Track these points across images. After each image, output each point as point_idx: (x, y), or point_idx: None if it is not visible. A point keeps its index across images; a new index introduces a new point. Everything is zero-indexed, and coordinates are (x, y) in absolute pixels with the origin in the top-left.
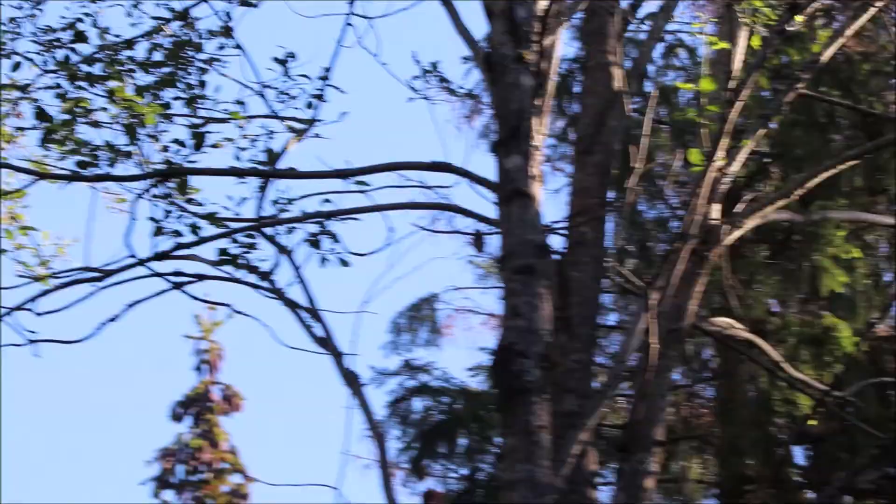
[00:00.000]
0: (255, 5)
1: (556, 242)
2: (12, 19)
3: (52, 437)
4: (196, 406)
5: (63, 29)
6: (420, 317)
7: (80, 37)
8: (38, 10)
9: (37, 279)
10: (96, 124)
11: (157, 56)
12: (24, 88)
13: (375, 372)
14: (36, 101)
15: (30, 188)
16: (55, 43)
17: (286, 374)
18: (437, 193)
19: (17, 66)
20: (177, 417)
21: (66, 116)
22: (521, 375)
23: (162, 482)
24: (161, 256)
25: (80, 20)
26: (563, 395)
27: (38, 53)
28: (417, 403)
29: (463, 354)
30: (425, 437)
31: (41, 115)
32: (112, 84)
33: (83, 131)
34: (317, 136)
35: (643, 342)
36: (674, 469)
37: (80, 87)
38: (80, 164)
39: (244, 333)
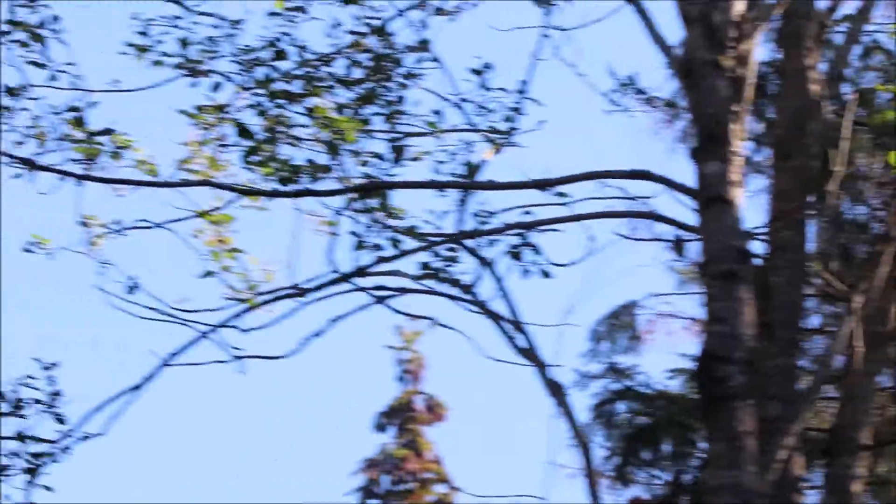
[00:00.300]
0: (452, 18)
1: (757, 247)
2: (210, 39)
3: (259, 451)
4: (400, 416)
5: (263, 48)
6: (621, 323)
7: (281, 55)
8: (237, 29)
9: (243, 301)
10: (297, 141)
11: (356, 72)
12: (223, 108)
13: (578, 375)
14: (236, 120)
15: (234, 209)
16: (255, 61)
17: (489, 383)
18: (637, 201)
19: (217, 87)
20: (381, 428)
21: (267, 134)
22: (725, 381)
23: (367, 492)
24: (363, 271)
25: (278, 39)
26: (766, 401)
27: (237, 73)
28: (620, 408)
29: (664, 359)
30: (629, 443)
31: (243, 132)
32: (312, 101)
33: (284, 151)
34: (515, 146)
35: (847, 346)
36: (881, 472)
37: (280, 105)
38: (282, 181)
39: (447, 343)
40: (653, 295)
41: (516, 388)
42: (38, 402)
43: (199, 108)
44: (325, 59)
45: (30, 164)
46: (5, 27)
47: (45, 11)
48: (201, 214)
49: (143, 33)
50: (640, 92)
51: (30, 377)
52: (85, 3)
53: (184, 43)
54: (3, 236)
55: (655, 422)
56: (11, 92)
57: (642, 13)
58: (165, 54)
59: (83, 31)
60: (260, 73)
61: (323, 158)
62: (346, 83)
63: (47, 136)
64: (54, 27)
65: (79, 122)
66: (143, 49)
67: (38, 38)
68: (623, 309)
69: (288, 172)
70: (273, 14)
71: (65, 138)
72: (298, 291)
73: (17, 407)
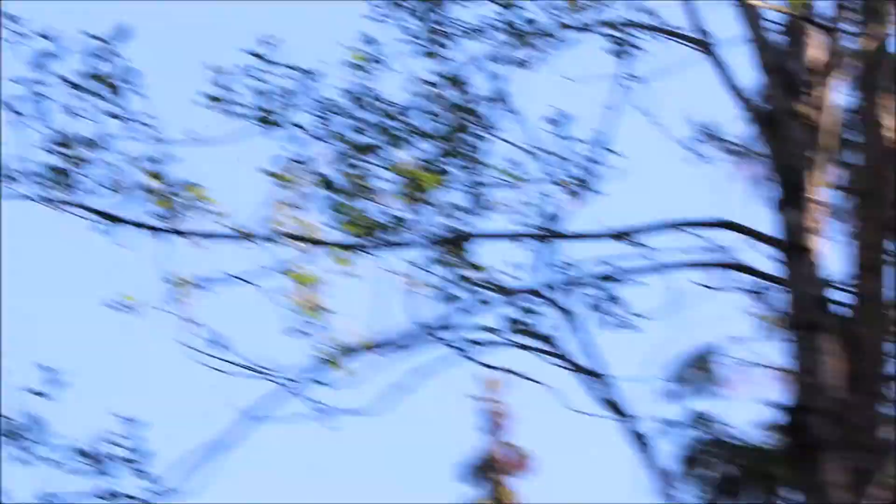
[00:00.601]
0: (529, 68)
1: (841, 297)
2: (287, 90)
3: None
4: (484, 467)
5: (338, 109)
6: (704, 373)
7: (364, 105)
8: (313, 80)
9: (328, 357)
10: (377, 195)
11: (434, 124)
12: (303, 163)
13: (662, 426)
14: (319, 174)
15: (317, 266)
16: (333, 112)
17: (573, 434)
18: (719, 250)
19: (294, 140)
20: (465, 479)
21: (348, 188)
22: (812, 432)
23: None
24: (445, 325)
25: (356, 91)
26: (854, 452)
27: (315, 125)
28: (705, 458)
29: (748, 409)
30: (714, 494)
31: (326, 184)
32: (391, 154)
33: (365, 205)
34: (595, 196)
35: None
36: None
37: (359, 159)
38: (363, 235)
39: (530, 395)
40: (735, 344)
41: (599, 439)
42: (121, 458)
43: (278, 167)
44: (403, 112)
45: (109, 216)
46: (82, 79)
47: (121, 62)
48: (288, 273)
49: (218, 85)
50: (718, 140)
51: (113, 433)
52: (160, 53)
53: (259, 94)
54: (85, 290)
55: (741, 472)
56: (89, 144)
57: (718, 62)
58: (240, 105)
59: (160, 82)
60: (338, 124)
61: (403, 212)
62: (425, 135)
63: (126, 189)
64: (131, 78)
65: (157, 175)
66: (217, 100)
67: (115, 90)
68: (706, 358)
69: (369, 227)
70: (351, 66)
71: (143, 191)
72: (381, 346)
73: (100, 463)
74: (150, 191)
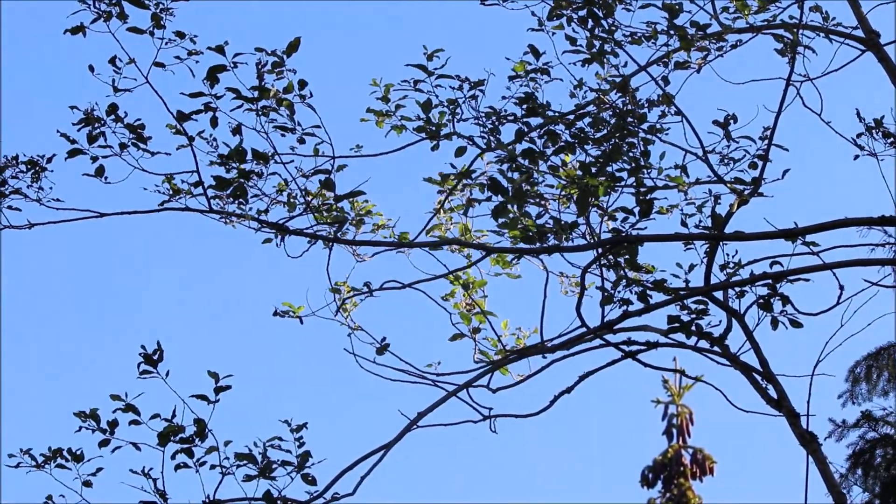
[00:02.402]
0: (694, 71)
1: None
2: (452, 101)
3: None
4: (667, 471)
5: (505, 116)
6: (876, 370)
7: (533, 111)
8: (479, 91)
9: (493, 362)
10: (543, 200)
11: (600, 129)
12: (468, 172)
13: (833, 425)
14: (489, 177)
15: (482, 271)
16: (503, 119)
17: (745, 435)
18: (888, 247)
19: (461, 151)
20: (647, 483)
21: (514, 194)
22: None
23: None
24: (611, 326)
25: (530, 96)
26: None
27: (480, 135)
28: (877, 456)
29: None
30: (887, 493)
31: (495, 187)
32: (557, 159)
33: (531, 210)
34: (761, 196)
35: None
36: None
37: (525, 166)
38: (529, 240)
39: (711, 397)
40: None
41: (770, 439)
42: (287, 463)
43: (443, 176)
44: (569, 118)
45: (280, 228)
46: (253, 94)
47: (291, 76)
48: (451, 276)
49: (383, 98)
50: (887, 136)
51: (279, 438)
52: (329, 66)
53: (425, 107)
54: (256, 301)
55: None
56: (259, 158)
57: (885, 58)
58: (406, 119)
59: (327, 96)
60: (504, 132)
61: (569, 216)
62: (591, 140)
63: (296, 201)
64: (301, 93)
65: (328, 186)
66: (383, 115)
67: (287, 105)
68: (878, 355)
69: (535, 231)
70: (514, 77)
71: (313, 204)
72: (546, 349)
73: (267, 469)
74: (317, 203)
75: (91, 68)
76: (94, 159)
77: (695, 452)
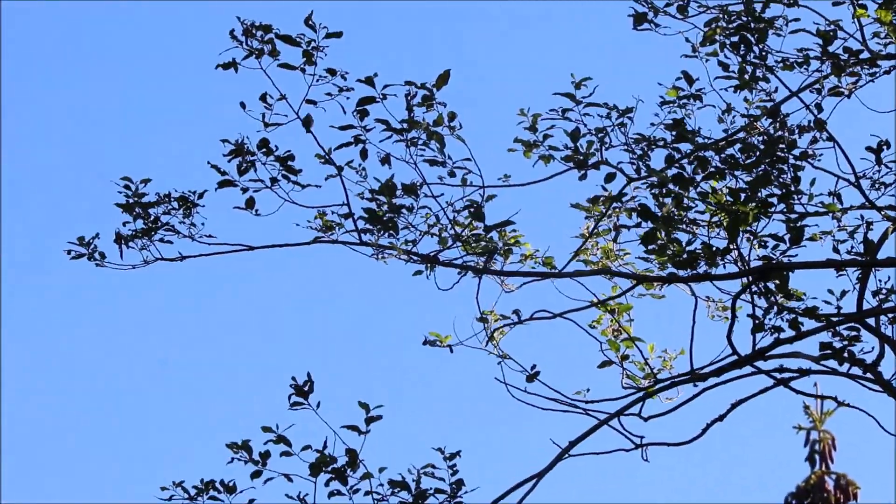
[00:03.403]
0: (846, 96)
1: None
2: (601, 130)
3: None
4: (810, 497)
5: (654, 142)
6: None
7: (683, 137)
8: (628, 119)
9: (642, 390)
10: (693, 226)
11: (751, 154)
12: (617, 198)
13: None
14: (637, 203)
15: (631, 298)
16: (653, 145)
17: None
18: None
19: (609, 178)
20: None
21: (662, 220)
22: None
23: None
24: (762, 354)
25: (680, 122)
26: None
27: (629, 162)
28: None
29: None
30: None
31: (645, 213)
32: (708, 184)
33: (680, 237)
34: None
35: None
36: None
37: (675, 192)
38: (678, 265)
39: (853, 423)
40: None
41: None
42: (441, 491)
43: (592, 201)
44: (719, 144)
45: (430, 260)
46: (403, 126)
47: (441, 109)
48: (599, 305)
49: (531, 128)
50: None
51: (432, 466)
52: (475, 97)
53: (573, 136)
54: (406, 331)
55: None
56: (409, 192)
57: None
58: (553, 148)
59: (475, 126)
60: (653, 160)
61: (719, 243)
62: (741, 167)
63: (445, 233)
64: (451, 125)
65: (478, 217)
66: (531, 145)
67: (437, 137)
68: None
69: (684, 257)
70: (665, 102)
71: (463, 235)
72: (697, 377)
73: (421, 497)
74: (467, 234)
75: (242, 105)
76: (245, 191)
77: (838, 478)
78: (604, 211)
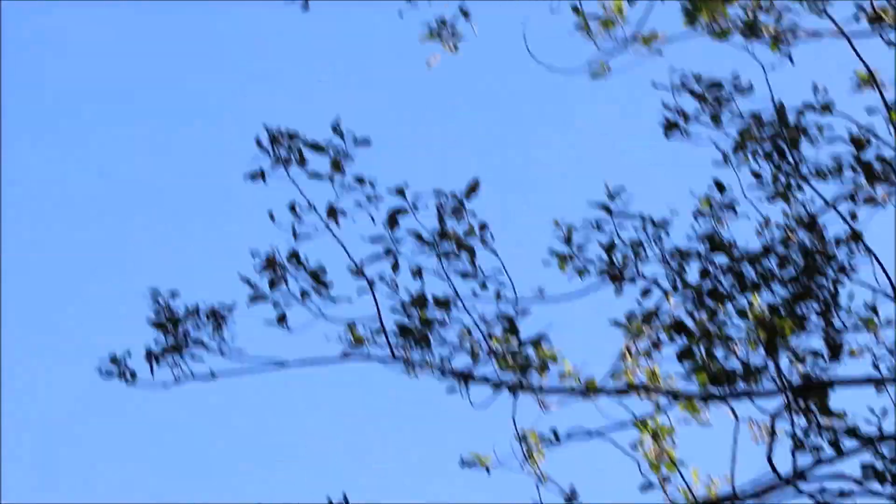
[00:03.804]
0: (882, 206)
1: None
2: (636, 243)
3: None
4: None
5: (689, 255)
6: None
7: (718, 249)
8: (664, 232)
9: None
10: (730, 342)
11: (788, 268)
12: (654, 314)
13: None
14: (672, 319)
15: (671, 418)
16: (684, 259)
17: None
18: None
19: (646, 293)
20: None
21: (700, 336)
22: None
23: None
24: (802, 474)
25: (714, 234)
26: None
27: (666, 276)
28: None
29: None
30: None
31: (679, 327)
32: (744, 300)
33: (718, 353)
34: None
35: None
36: None
37: (710, 306)
38: (716, 382)
39: None
40: None
41: None
42: None
43: (629, 318)
44: (756, 257)
45: (464, 376)
46: (434, 238)
47: (472, 219)
48: (640, 425)
49: (565, 240)
50: None
51: None
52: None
53: (608, 249)
54: (442, 451)
55: None
56: (441, 305)
57: None
58: (589, 261)
59: (508, 237)
60: (689, 272)
61: (758, 359)
62: (778, 280)
63: (479, 348)
64: (482, 236)
65: (512, 332)
66: (565, 257)
67: (468, 249)
68: None
69: (723, 375)
70: (699, 213)
71: (497, 350)
72: (739, 499)
73: None
74: (501, 349)
75: (271, 216)
76: (276, 305)
77: None
78: (641, 328)
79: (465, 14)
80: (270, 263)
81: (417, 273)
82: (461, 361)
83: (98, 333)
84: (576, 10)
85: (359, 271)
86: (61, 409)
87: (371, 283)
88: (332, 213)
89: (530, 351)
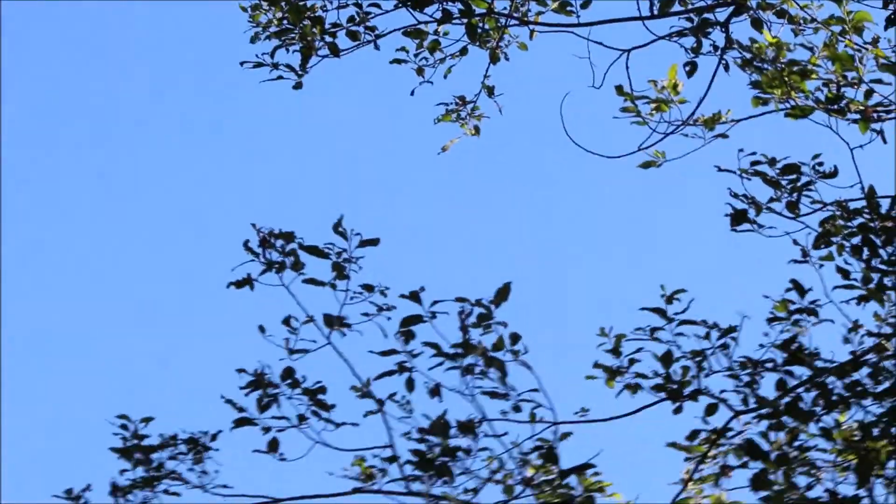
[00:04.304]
0: None
1: None
2: (698, 353)
3: None
4: None
5: (763, 364)
6: None
7: (798, 360)
8: (731, 339)
9: None
10: (814, 466)
11: (882, 380)
12: (721, 433)
13: None
14: (744, 441)
15: None
16: (761, 369)
17: None
18: None
19: (712, 410)
20: None
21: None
22: None
23: None
24: None
25: (793, 341)
26: None
27: (734, 390)
28: None
29: None
30: None
31: (753, 450)
32: (831, 417)
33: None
34: None
35: None
36: None
37: (791, 423)
38: None
39: None
40: None
41: None
42: None
43: (691, 438)
44: (843, 368)
45: None
46: (457, 350)
47: (502, 330)
48: None
49: (613, 351)
50: None
51: None
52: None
53: (665, 361)
54: None
55: None
56: (465, 430)
57: None
58: (641, 375)
59: (544, 349)
60: (763, 387)
61: (847, 488)
62: (871, 395)
63: (512, 479)
64: (514, 349)
65: (551, 459)
66: (614, 371)
67: (497, 364)
68: None
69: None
70: (774, 319)
71: (534, 481)
72: None
73: None
74: (538, 480)
75: (262, 329)
76: (266, 430)
77: None
78: (706, 451)
79: (490, 91)
80: (259, 382)
81: (436, 392)
82: (491, 496)
83: (53, 463)
84: (620, 90)
85: (365, 391)
86: None
87: (381, 405)
88: (334, 322)
89: (573, 481)
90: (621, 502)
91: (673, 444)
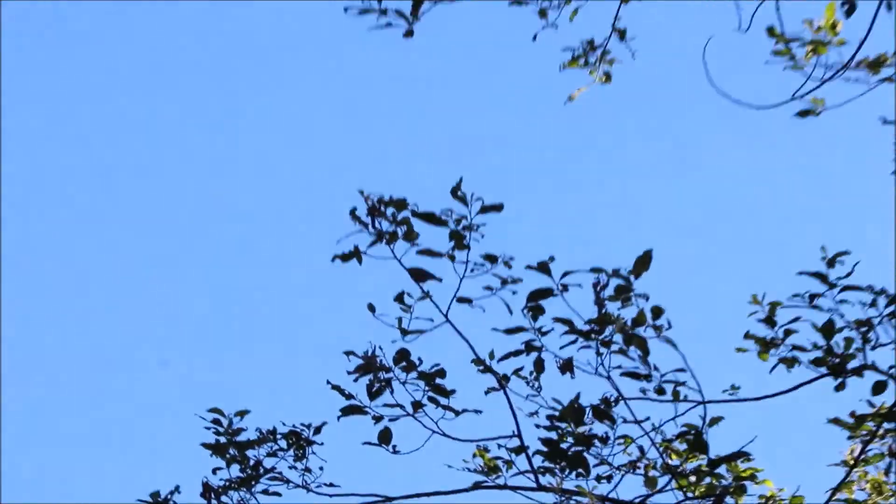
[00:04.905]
0: None
1: None
2: (863, 322)
3: None
4: None
5: None
6: None
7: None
8: None
9: None
10: None
11: None
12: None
13: None
14: None
15: None
16: None
17: None
18: None
19: (880, 388)
20: None
21: None
22: None
23: None
24: None
25: None
26: None
27: None
28: None
29: None
30: None
31: None
32: None
33: None
34: None
35: None
36: None
37: None
38: None
39: None
40: None
41: None
42: None
43: (858, 417)
44: None
45: None
46: (590, 327)
47: (642, 303)
48: None
49: (767, 320)
50: None
51: None
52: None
53: (826, 331)
54: None
55: None
56: (601, 415)
57: None
58: (799, 348)
59: (688, 326)
60: None
61: None
62: None
63: (654, 469)
64: (656, 324)
65: (698, 447)
66: (767, 343)
67: (637, 342)
68: None
69: None
70: None
71: (678, 471)
72: None
73: None
74: (684, 469)
75: (371, 307)
76: (378, 420)
77: None
78: (874, 430)
79: (622, 34)
80: (370, 365)
81: (567, 368)
82: (631, 488)
83: (138, 463)
84: (772, 31)
85: (487, 366)
86: None
87: (506, 380)
88: (424, 276)
89: (724, 470)
90: (774, 490)
91: (835, 421)
